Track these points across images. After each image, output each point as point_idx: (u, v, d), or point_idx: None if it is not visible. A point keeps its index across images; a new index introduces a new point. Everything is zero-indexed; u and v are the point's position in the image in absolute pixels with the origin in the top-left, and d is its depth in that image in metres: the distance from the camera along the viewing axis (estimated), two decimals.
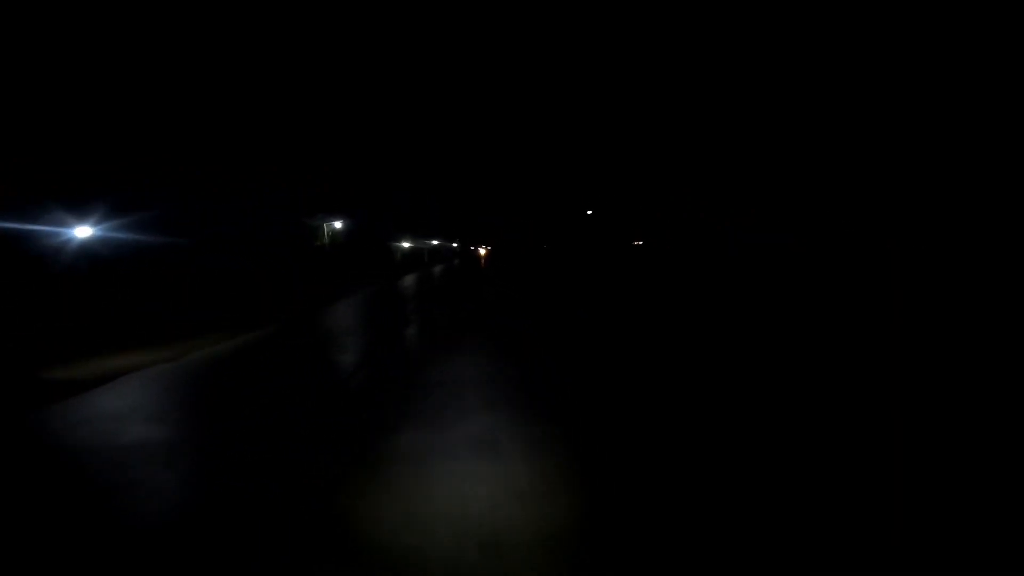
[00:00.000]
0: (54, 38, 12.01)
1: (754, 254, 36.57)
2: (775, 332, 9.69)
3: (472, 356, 8.23)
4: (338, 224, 22.80)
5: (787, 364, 7.15)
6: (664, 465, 3.98)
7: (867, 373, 6.29)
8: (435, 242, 63.65)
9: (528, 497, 3.50)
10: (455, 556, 2.83)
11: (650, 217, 50.22)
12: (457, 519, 3.23)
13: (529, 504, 3.41)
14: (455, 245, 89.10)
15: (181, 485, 3.92)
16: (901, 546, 2.81)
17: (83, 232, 10.57)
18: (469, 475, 3.86)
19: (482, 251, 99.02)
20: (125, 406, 6.02)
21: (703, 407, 5.38)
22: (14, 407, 6.05)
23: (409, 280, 31.64)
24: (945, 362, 6.59)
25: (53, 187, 11.26)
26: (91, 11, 13.07)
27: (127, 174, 13.46)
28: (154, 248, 13.14)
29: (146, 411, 5.85)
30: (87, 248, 11.08)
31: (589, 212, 55.56)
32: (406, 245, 46.37)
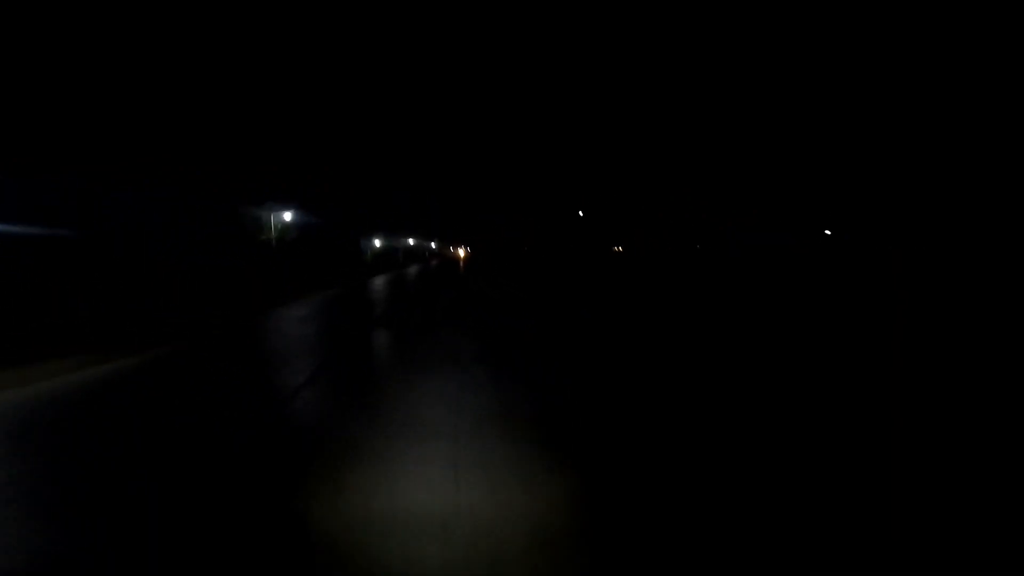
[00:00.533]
0: None
1: (755, 254, 36.62)
2: (776, 334, 9.59)
3: (437, 406, 5.03)
4: (288, 215, 19.17)
5: (787, 364, 7.13)
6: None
7: (868, 374, 6.15)
8: (411, 242, 59.99)
9: None
10: None
11: (652, 217, 49.57)
12: None
13: None
14: (433, 245, 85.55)
15: None
16: (900, 545, 2.77)
17: None
18: None
19: (461, 252, 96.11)
20: None
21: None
22: None
23: (378, 283, 28.09)
24: (946, 364, 6.55)
25: None
26: None
27: None
28: (19, 241, 9.54)
29: None
30: None
31: (580, 213, 52.66)
32: (378, 244, 42.69)
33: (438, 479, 3.66)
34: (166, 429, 5.04)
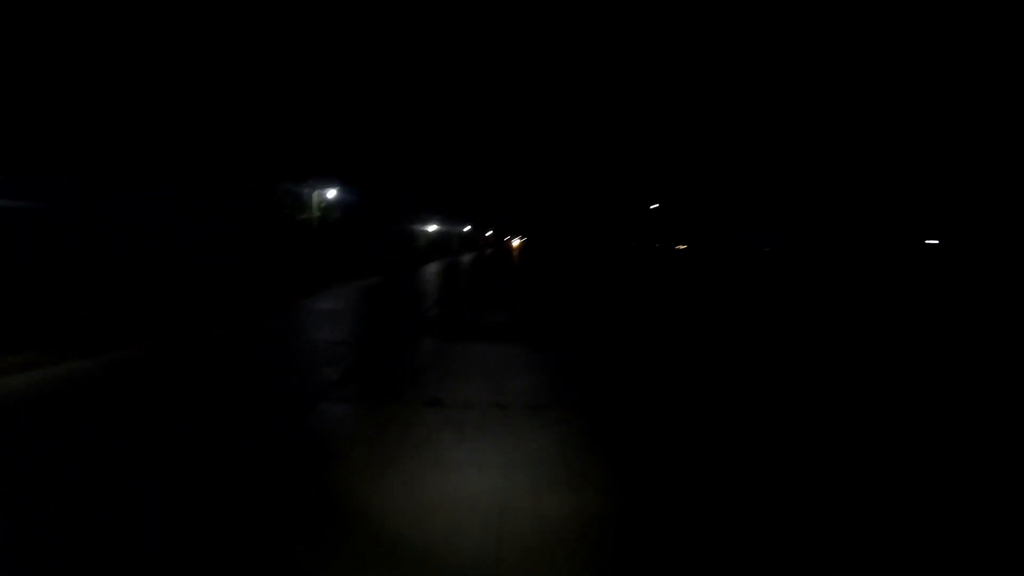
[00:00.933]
0: None
1: (755, 254, 37.32)
2: (776, 330, 9.68)
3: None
4: (331, 194, 17.38)
5: (787, 362, 7.19)
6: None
7: (867, 372, 6.13)
8: (467, 229, 58.37)
9: None
10: None
11: (653, 217, 51.78)
12: None
13: None
14: (489, 234, 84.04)
15: None
16: (900, 546, 2.79)
17: None
18: None
19: (515, 243, 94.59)
20: None
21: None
22: None
23: (428, 271, 26.20)
24: (947, 364, 6.62)
25: None
26: None
27: None
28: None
29: None
30: None
31: (655, 206, 50.90)
32: (432, 229, 41.08)
33: None
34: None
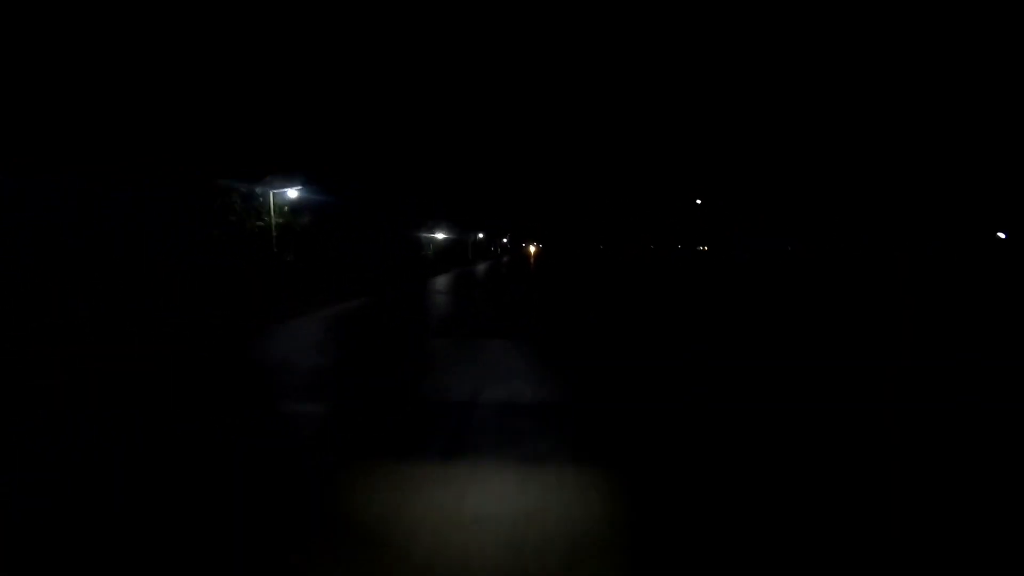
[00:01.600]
0: None
1: (762, 260, 36.89)
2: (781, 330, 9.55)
3: None
4: (292, 194, 13.50)
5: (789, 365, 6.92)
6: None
7: (868, 378, 6.08)
8: (480, 236, 54.49)
9: None
10: None
11: (661, 222, 54.92)
12: None
13: None
14: (505, 241, 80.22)
15: None
16: (900, 545, 2.72)
17: None
18: None
19: (532, 249, 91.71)
20: None
21: None
22: None
23: (435, 286, 22.16)
24: (948, 368, 6.50)
25: None
26: None
27: None
28: None
29: None
30: None
31: (698, 201, 49.63)
32: (442, 237, 37.21)
33: None
34: None
